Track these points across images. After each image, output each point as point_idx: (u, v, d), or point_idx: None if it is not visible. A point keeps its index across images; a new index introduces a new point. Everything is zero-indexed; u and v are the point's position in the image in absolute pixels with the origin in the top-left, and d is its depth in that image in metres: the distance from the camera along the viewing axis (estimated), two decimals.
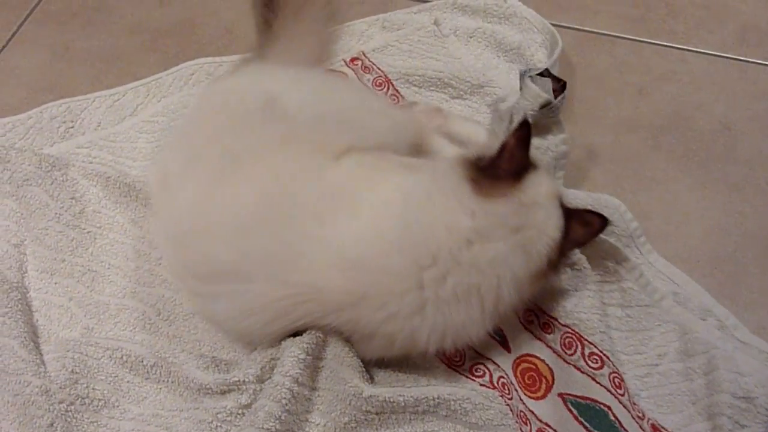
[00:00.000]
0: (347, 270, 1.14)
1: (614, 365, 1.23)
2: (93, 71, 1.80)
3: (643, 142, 1.61)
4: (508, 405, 1.22)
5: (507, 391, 1.24)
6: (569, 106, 1.65)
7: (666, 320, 1.32)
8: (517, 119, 1.42)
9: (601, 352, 1.24)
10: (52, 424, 1.17)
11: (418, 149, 1.44)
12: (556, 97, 1.46)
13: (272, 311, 1.19)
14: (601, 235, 1.28)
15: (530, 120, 1.18)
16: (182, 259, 1.27)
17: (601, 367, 1.23)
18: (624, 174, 1.55)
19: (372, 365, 1.26)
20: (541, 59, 1.70)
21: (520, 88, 1.48)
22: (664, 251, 1.43)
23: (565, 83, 1.50)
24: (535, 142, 1.43)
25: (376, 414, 1.19)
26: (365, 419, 1.19)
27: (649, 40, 1.82)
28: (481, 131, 1.55)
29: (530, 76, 1.48)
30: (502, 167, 1.15)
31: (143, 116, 1.66)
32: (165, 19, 1.91)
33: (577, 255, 1.32)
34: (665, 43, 1.81)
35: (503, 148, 1.15)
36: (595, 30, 1.84)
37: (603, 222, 1.19)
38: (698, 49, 1.79)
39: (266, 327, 1.22)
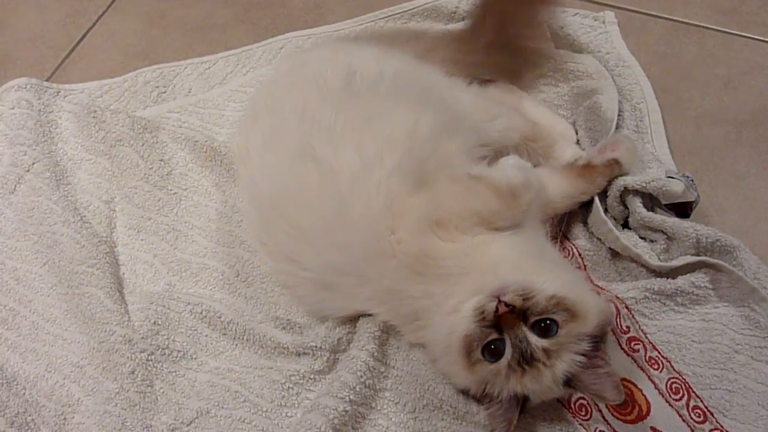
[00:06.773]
0: None
1: (718, 422, 1.18)
2: (186, 39, 1.86)
3: (725, 135, 1.58)
4: (582, 425, 1.20)
5: (584, 413, 1.21)
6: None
7: None
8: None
9: (706, 408, 1.19)
10: (133, 372, 1.24)
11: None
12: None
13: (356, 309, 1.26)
14: (751, 283, 1.23)
15: None
16: (269, 235, 1.31)
17: (703, 422, 1.18)
18: (704, 167, 1.53)
19: None
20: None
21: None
22: None
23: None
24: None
25: (451, 407, 1.20)
26: (441, 407, 1.20)
27: (739, 33, 1.78)
28: (564, 124, 1.54)
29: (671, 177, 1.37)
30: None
31: (232, 85, 1.72)
32: None
33: (717, 309, 1.26)
34: (756, 36, 1.76)
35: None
36: (685, 20, 1.81)
37: None
38: None
39: (344, 315, 1.29)
